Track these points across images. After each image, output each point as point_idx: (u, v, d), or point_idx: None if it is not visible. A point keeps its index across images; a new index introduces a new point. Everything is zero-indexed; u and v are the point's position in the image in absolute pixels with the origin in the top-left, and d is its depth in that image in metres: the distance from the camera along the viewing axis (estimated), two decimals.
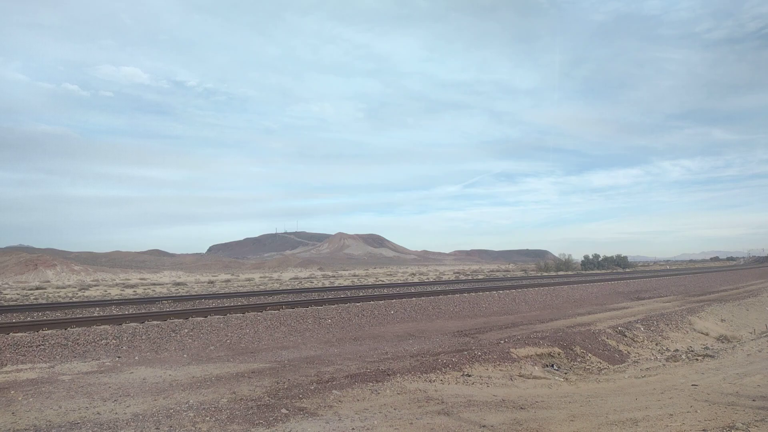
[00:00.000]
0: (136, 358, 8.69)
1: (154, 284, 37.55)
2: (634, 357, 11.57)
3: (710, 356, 10.83)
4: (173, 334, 10.59)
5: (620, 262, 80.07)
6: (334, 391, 6.49)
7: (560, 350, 10.48)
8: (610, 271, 66.88)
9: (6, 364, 8.05)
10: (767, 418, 5.40)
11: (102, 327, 11.17)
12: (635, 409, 6.18)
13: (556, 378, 8.74)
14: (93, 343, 9.64)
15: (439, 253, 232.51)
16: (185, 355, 8.89)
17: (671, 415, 5.76)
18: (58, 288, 33.71)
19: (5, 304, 14.84)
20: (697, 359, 10.58)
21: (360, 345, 10.01)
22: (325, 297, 18.28)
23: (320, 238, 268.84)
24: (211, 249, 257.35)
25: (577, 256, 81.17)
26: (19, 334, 10.17)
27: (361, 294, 19.71)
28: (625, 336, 12.86)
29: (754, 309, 20.97)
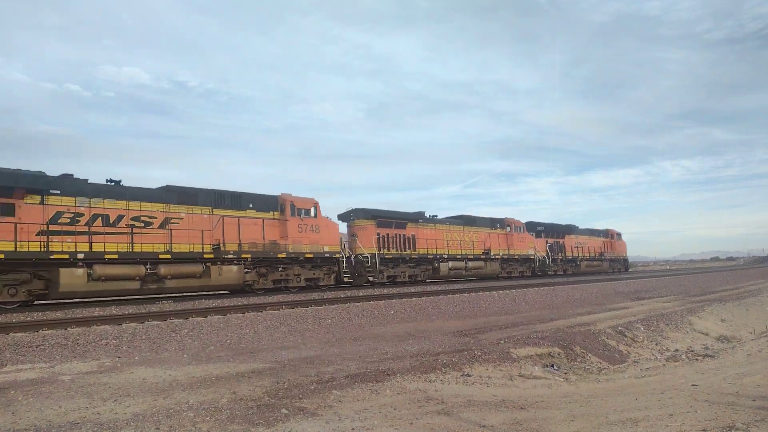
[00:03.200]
0: (136, 358, 8.69)
1: None
2: (634, 357, 11.57)
3: (710, 356, 10.84)
4: (173, 334, 10.59)
5: None
6: (334, 391, 6.49)
7: (560, 350, 10.48)
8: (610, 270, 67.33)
9: (6, 364, 8.05)
10: (767, 418, 5.40)
11: (102, 327, 11.16)
12: (635, 409, 6.19)
13: (556, 378, 8.74)
14: (93, 343, 9.63)
15: None
16: (185, 355, 8.89)
17: (671, 415, 5.76)
18: None
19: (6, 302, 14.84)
20: (697, 359, 10.59)
21: (360, 345, 10.01)
22: (325, 297, 18.27)
23: None
24: None
25: None
26: (19, 334, 10.17)
27: (361, 294, 19.71)
28: (625, 336, 12.86)
29: (754, 309, 20.97)
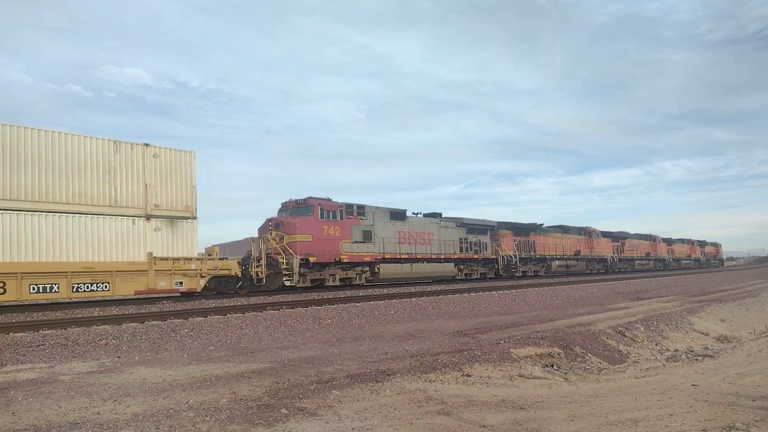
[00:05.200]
0: (136, 358, 8.70)
1: None
2: (634, 357, 11.57)
3: (710, 356, 10.84)
4: (173, 334, 10.59)
5: None
6: (334, 391, 6.49)
7: (560, 350, 10.48)
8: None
9: (6, 364, 8.05)
10: (767, 418, 5.41)
11: (102, 327, 11.16)
12: (635, 409, 6.19)
13: (556, 378, 8.74)
14: (93, 343, 9.64)
15: None
16: (185, 355, 8.89)
17: (671, 415, 5.76)
18: None
19: (5, 303, 14.85)
20: (697, 359, 10.59)
21: (360, 345, 10.01)
22: (325, 297, 18.27)
23: None
24: None
25: None
26: (19, 334, 10.17)
27: (361, 294, 19.71)
28: (625, 336, 12.87)
29: (754, 309, 20.97)
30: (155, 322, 11.80)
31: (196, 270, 17.95)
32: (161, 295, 17.37)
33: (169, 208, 18.36)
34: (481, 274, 31.83)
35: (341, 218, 23.10)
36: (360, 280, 23.92)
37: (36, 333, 10.36)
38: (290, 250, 20.81)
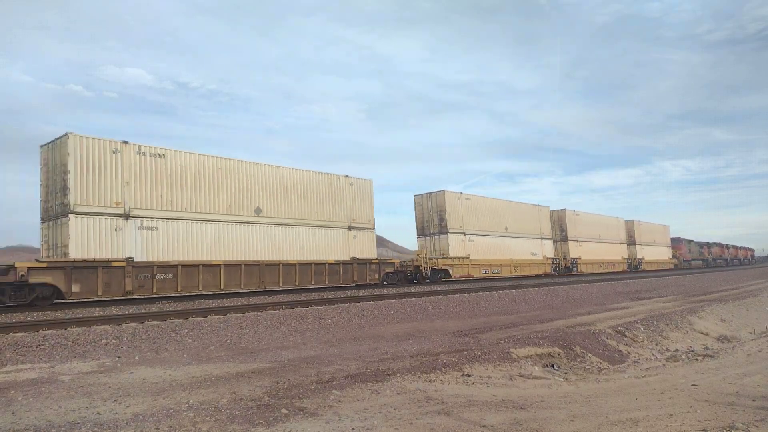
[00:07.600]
0: (136, 358, 8.70)
1: None
2: (634, 357, 11.57)
3: (710, 356, 10.84)
4: (173, 334, 10.60)
5: None
6: (334, 391, 6.49)
7: (560, 350, 10.48)
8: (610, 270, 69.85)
9: (6, 364, 8.05)
10: (767, 418, 5.41)
11: (102, 327, 11.17)
12: (635, 409, 6.19)
13: (556, 378, 8.74)
14: (93, 343, 9.64)
15: None
16: (185, 355, 8.89)
17: (671, 415, 5.77)
18: None
19: (6, 303, 14.85)
20: (697, 359, 10.59)
21: (360, 345, 10.01)
22: (324, 297, 18.28)
23: None
24: None
25: None
26: (19, 334, 10.17)
27: (360, 294, 19.72)
28: (625, 336, 12.86)
29: (754, 309, 20.97)
30: (155, 322, 11.81)
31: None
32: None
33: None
34: (701, 267, 67.68)
35: (680, 243, 66.71)
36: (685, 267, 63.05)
37: (36, 333, 10.36)
38: (679, 255, 65.41)
